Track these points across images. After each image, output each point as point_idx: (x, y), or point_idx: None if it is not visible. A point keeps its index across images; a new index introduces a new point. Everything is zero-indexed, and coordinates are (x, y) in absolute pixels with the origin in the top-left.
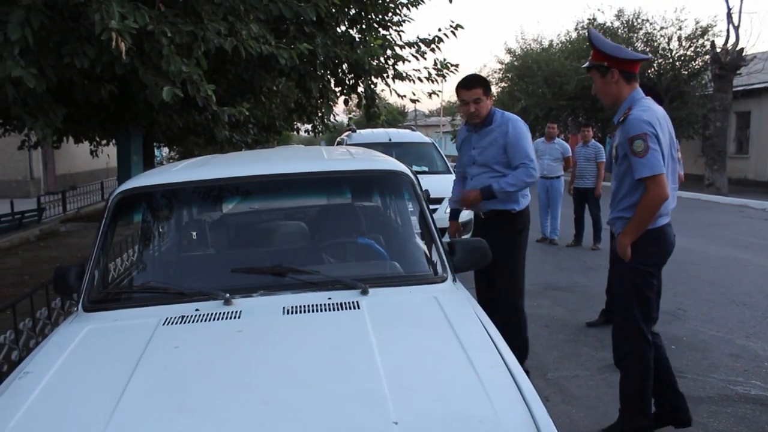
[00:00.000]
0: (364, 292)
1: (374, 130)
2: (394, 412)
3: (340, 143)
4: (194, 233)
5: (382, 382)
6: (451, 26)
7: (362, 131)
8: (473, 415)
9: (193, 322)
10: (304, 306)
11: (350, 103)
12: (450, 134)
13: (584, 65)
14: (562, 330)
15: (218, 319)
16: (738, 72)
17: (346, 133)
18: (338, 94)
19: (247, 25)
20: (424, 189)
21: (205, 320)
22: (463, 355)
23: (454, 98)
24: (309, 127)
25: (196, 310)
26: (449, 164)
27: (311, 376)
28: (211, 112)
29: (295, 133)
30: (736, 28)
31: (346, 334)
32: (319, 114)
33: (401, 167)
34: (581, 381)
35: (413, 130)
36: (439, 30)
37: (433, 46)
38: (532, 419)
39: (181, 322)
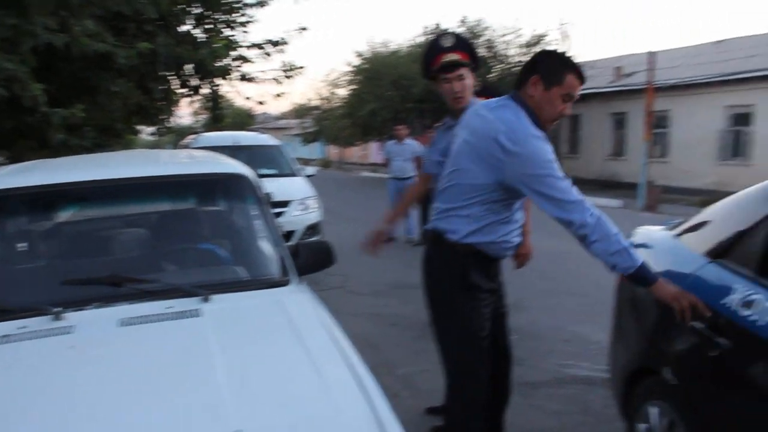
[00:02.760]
0: (206, 299)
1: (220, 133)
2: (237, 421)
3: (184, 146)
4: (22, 245)
5: (224, 392)
6: (297, 28)
7: (207, 134)
8: (317, 417)
9: (18, 341)
10: (142, 316)
11: (195, 105)
12: (300, 136)
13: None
14: (411, 327)
15: (47, 336)
16: None
17: (191, 136)
18: (182, 95)
19: (82, 20)
20: (266, 192)
21: (32, 338)
22: (306, 358)
23: (304, 100)
24: (152, 130)
25: (22, 327)
26: (297, 167)
27: (149, 390)
28: (42, 114)
29: (139, 136)
30: (567, 38)
31: (187, 344)
32: (162, 116)
33: (242, 170)
34: (430, 375)
35: (261, 132)
36: (286, 31)
37: (279, 47)
38: (374, 417)
39: (3, 342)
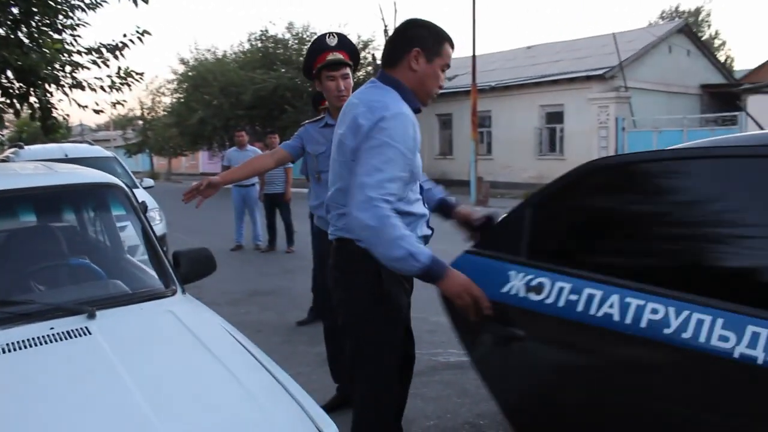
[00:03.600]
0: (91, 316)
1: (46, 145)
2: None
3: (4, 161)
4: None
5: (143, 407)
6: (137, 32)
7: (32, 147)
8: (248, 420)
9: None
10: (24, 341)
11: (22, 114)
12: (123, 148)
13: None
14: (276, 332)
15: None
16: None
17: (11, 150)
18: (4, 104)
19: None
20: (140, 201)
21: None
22: (219, 365)
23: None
24: None
25: None
26: (134, 179)
27: (58, 417)
28: None
29: None
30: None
31: (86, 364)
32: None
33: (114, 179)
34: (305, 377)
35: (91, 144)
36: (125, 36)
37: (117, 53)
38: (307, 415)
39: None
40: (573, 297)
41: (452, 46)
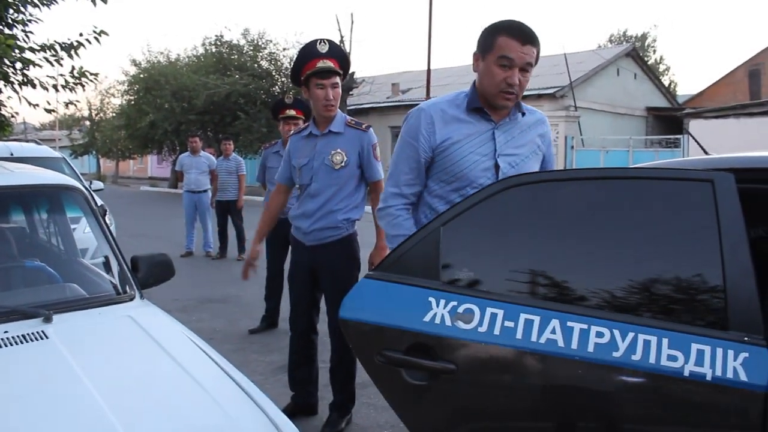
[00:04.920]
0: (48, 320)
1: None
2: None
3: None
4: None
5: (106, 412)
6: (94, 32)
7: None
8: (212, 426)
9: None
10: None
11: None
12: (69, 149)
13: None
14: (227, 340)
15: None
16: (350, 93)
17: None
18: None
19: None
20: (101, 204)
21: None
22: (182, 371)
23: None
24: None
25: None
26: (84, 180)
27: (17, 424)
28: None
29: None
30: (348, 54)
31: (44, 369)
32: None
33: (72, 181)
34: (258, 386)
35: (38, 143)
36: (81, 35)
37: (72, 52)
38: (270, 421)
39: None
40: (509, 324)
41: (514, 36)
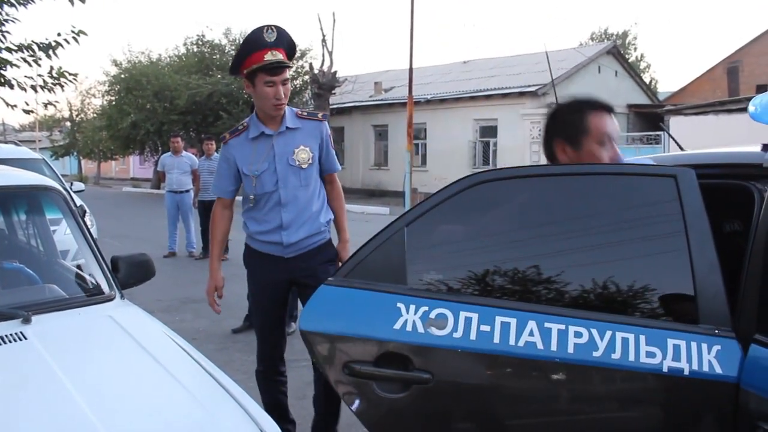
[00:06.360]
0: (26, 321)
1: None
2: None
3: None
4: None
5: (86, 412)
6: (73, 32)
7: None
8: (193, 424)
9: None
10: None
11: None
12: (49, 150)
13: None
14: (210, 340)
15: None
16: (333, 92)
17: None
18: None
19: None
20: (80, 204)
21: None
22: (162, 370)
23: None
24: None
25: None
26: (64, 182)
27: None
28: None
29: None
30: (330, 53)
31: (23, 370)
32: None
33: (51, 182)
34: (242, 385)
35: (17, 144)
36: (59, 35)
37: (50, 52)
38: (251, 418)
39: None
40: (485, 328)
41: (604, 110)
